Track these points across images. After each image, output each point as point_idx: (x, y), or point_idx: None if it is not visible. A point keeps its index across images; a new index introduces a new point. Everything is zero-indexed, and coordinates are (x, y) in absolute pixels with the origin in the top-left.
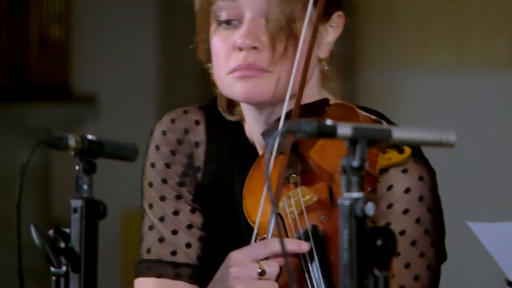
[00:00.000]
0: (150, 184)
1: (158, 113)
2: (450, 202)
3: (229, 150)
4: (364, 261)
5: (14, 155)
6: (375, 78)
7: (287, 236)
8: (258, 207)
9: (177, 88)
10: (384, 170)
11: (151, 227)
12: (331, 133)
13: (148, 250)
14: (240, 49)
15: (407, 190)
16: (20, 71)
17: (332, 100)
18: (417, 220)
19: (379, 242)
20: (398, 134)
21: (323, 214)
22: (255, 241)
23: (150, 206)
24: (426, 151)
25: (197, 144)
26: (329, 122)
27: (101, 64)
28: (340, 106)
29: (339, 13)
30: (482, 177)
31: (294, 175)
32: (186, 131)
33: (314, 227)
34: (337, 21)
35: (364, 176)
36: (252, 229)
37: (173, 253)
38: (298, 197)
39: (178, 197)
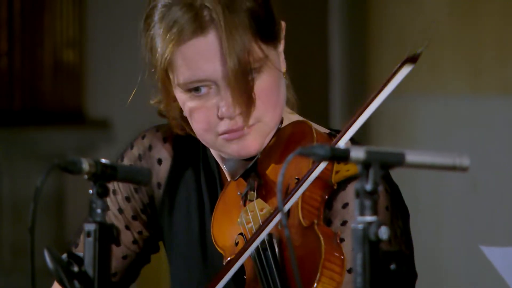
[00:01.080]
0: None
1: None
2: (464, 227)
3: (194, 169)
4: (378, 285)
5: (28, 180)
6: (388, 103)
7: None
8: (224, 234)
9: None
10: (341, 186)
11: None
12: (344, 157)
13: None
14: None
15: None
16: (34, 95)
17: (288, 115)
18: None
19: (393, 266)
20: (412, 157)
21: (280, 223)
22: (223, 263)
23: None
24: (440, 176)
25: (159, 161)
26: (342, 145)
27: (114, 89)
28: (294, 124)
29: (282, 24)
30: (496, 202)
31: (251, 192)
32: (150, 148)
33: (270, 236)
34: (283, 31)
35: (317, 183)
36: (210, 249)
37: (76, 245)
38: (255, 211)
39: (120, 210)
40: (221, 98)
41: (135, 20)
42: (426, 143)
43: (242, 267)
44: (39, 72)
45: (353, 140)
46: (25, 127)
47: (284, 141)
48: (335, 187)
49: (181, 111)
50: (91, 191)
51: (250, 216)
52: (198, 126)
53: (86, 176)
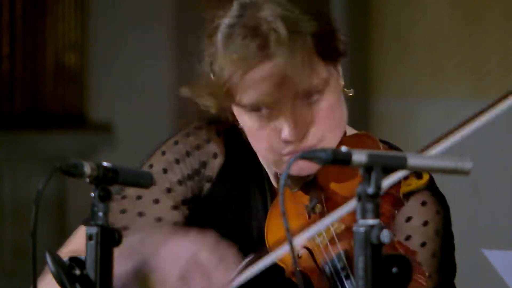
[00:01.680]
0: (150, 166)
1: None
2: (465, 230)
3: (245, 168)
4: None
5: (30, 183)
6: (390, 107)
7: (318, 267)
8: (279, 243)
9: (193, 116)
10: (405, 199)
11: (124, 197)
12: (346, 160)
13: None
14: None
15: (425, 223)
16: (35, 98)
17: (348, 127)
18: (433, 255)
19: (394, 270)
20: (414, 161)
21: (352, 239)
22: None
23: (151, 166)
24: (442, 178)
25: (215, 155)
26: (344, 149)
27: (116, 92)
28: (357, 137)
29: (344, 39)
30: (498, 205)
31: (319, 205)
32: (208, 140)
33: (347, 252)
34: (344, 45)
35: (388, 198)
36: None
37: (125, 228)
38: (328, 226)
39: (169, 190)
40: (284, 121)
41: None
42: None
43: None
44: (40, 75)
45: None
46: (27, 130)
47: None
48: (405, 202)
49: (234, 121)
50: (92, 194)
51: (323, 231)
52: (261, 146)
53: (87, 179)
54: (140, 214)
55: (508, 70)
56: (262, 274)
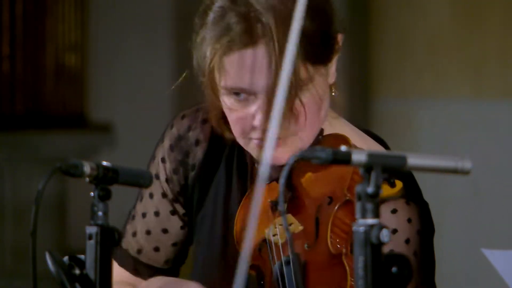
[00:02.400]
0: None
1: None
2: (466, 230)
3: (228, 156)
4: None
5: (30, 183)
6: (390, 107)
7: (272, 262)
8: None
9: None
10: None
11: (133, 217)
12: (346, 160)
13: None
14: None
15: (394, 231)
16: (36, 99)
17: (331, 121)
18: (407, 241)
19: (394, 269)
20: (414, 161)
21: (307, 243)
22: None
23: (141, 198)
24: (442, 180)
25: (197, 142)
26: (343, 148)
27: (116, 93)
28: (333, 137)
29: (339, 37)
30: (498, 205)
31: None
32: (188, 128)
33: (297, 256)
34: (339, 43)
35: (350, 207)
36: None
37: (138, 251)
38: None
39: (164, 195)
40: (259, 108)
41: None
42: (428, 147)
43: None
44: (41, 76)
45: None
46: (27, 131)
47: None
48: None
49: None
50: (92, 194)
51: (278, 229)
52: (234, 127)
53: (87, 179)
54: (147, 232)
55: (507, 70)
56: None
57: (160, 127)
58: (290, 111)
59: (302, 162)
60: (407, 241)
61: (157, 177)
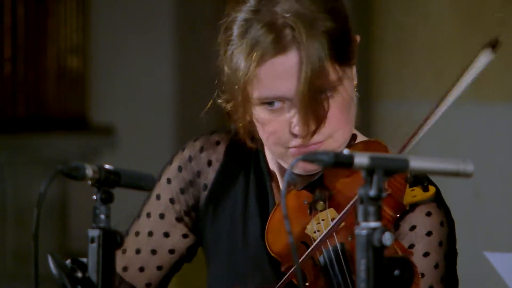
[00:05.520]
0: (158, 197)
1: (175, 143)
2: (468, 233)
3: (244, 174)
4: None
5: (32, 186)
6: (391, 109)
7: (313, 260)
8: (281, 242)
9: (195, 118)
10: (408, 211)
11: (127, 233)
12: (348, 163)
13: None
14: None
15: (429, 233)
16: (37, 102)
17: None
18: (436, 266)
19: (396, 272)
20: (416, 163)
21: (350, 235)
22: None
23: (139, 216)
24: (444, 183)
25: (209, 163)
26: (346, 151)
27: (118, 95)
28: (367, 143)
29: (358, 38)
30: (499, 208)
31: (321, 202)
32: (201, 149)
33: (343, 244)
34: (357, 45)
35: (389, 201)
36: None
37: (124, 269)
38: (327, 219)
39: (162, 216)
40: (294, 115)
41: (138, 27)
42: (429, 149)
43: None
44: (42, 79)
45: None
46: (29, 133)
47: None
48: (407, 208)
49: (251, 119)
50: (94, 197)
51: (321, 224)
52: (269, 138)
53: (89, 182)
54: (137, 251)
55: (508, 73)
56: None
57: (162, 129)
58: (324, 115)
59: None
60: (440, 244)
61: (158, 197)
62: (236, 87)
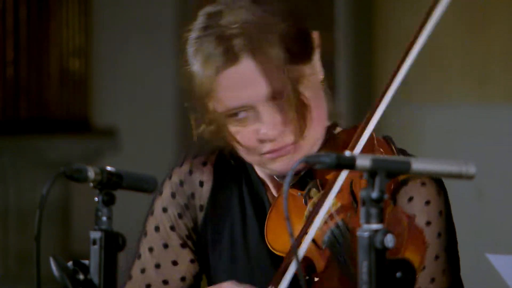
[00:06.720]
0: (156, 228)
1: (177, 145)
2: (470, 235)
3: (237, 188)
4: None
5: (34, 188)
6: (395, 111)
7: (315, 243)
8: (282, 238)
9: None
10: (403, 183)
11: (139, 256)
12: (350, 165)
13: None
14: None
15: (427, 203)
16: (40, 104)
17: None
18: (439, 235)
19: (398, 274)
20: (418, 165)
21: (349, 212)
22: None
23: (139, 256)
24: (446, 184)
25: (201, 183)
26: (348, 153)
27: (121, 97)
28: (349, 131)
29: (314, 34)
30: (502, 210)
31: (313, 189)
32: (190, 172)
33: (344, 221)
34: (316, 41)
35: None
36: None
37: (148, 286)
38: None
39: (165, 245)
40: (260, 122)
41: (140, 29)
42: (432, 151)
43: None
44: (45, 81)
45: (405, 152)
46: (31, 135)
47: (339, 148)
48: (399, 180)
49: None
50: (96, 199)
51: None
52: (241, 149)
53: (91, 184)
54: (165, 282)
55: (510, 74)
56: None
57: (164, 131)
58: (289, 115)
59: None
60: (440, 213)
61: (157, 229)
62: (201, 103)
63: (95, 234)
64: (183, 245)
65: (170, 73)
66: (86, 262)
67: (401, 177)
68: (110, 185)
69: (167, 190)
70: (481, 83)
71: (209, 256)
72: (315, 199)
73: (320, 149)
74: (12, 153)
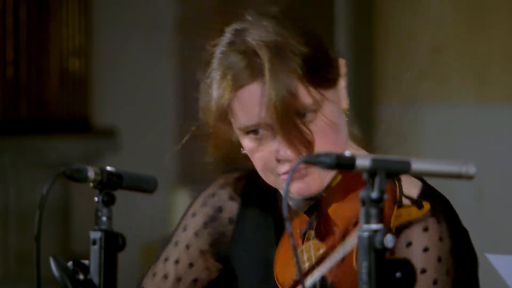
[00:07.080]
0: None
1: (177, 145)
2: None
3: (265, 205)
4: None
5: (34, 188)
6: (394, 112)
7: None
8: (285, 272)
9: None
10: (405, 226)
11: (168, 243)
12: (350, 165)
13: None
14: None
15: (425, 249)
16: (40, 104)
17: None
18: (434, 282)
19: (398, 275)
20: (418, 165)
21: (333, 267)
22: None
23: (169, 241)
24: (446, 185)
25: (231, 198)
26: (348, 153)
27: (121, 97)
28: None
29: (340, 61)
30: (502, 210)
31: (310, 231)
32: (222, 186)
33: (323, 278)
34: (342, 68)
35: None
36: None
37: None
38: (311, 252)
39: (187, 247)
40: (279, 141)
41: (140, 29)
42: (432, 151)
43: None
44: (45, 81)
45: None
46: (31, 136)
47: (350, 181)
48: (406, 230)
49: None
50: (96, 199)
51: (305, 257)
52: (259, 167)
53: (91, 184)
54: (178, 279)
55: (510, 74)
56: None
57: (164, 131)
58: (306, 138)
59: (329, 189)
60: (439, 259)
61: (185, 229)
62: (216, 116)
63: (95, 234)
64: (203, 252)
65: (170, 74)
66: (86, 262)
67: (406, 218)
68: (110, 185)
69: (201, 198)
70: (481, 83)
71: (237, 267)
72: (306, 246)
73: (337, 176)
74: (12, 153)
